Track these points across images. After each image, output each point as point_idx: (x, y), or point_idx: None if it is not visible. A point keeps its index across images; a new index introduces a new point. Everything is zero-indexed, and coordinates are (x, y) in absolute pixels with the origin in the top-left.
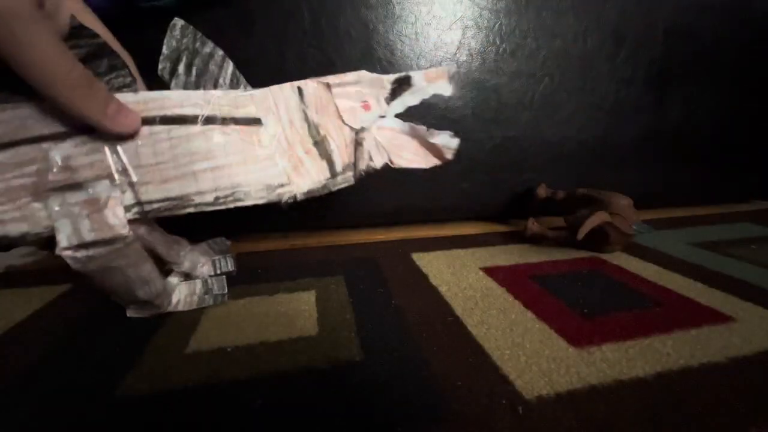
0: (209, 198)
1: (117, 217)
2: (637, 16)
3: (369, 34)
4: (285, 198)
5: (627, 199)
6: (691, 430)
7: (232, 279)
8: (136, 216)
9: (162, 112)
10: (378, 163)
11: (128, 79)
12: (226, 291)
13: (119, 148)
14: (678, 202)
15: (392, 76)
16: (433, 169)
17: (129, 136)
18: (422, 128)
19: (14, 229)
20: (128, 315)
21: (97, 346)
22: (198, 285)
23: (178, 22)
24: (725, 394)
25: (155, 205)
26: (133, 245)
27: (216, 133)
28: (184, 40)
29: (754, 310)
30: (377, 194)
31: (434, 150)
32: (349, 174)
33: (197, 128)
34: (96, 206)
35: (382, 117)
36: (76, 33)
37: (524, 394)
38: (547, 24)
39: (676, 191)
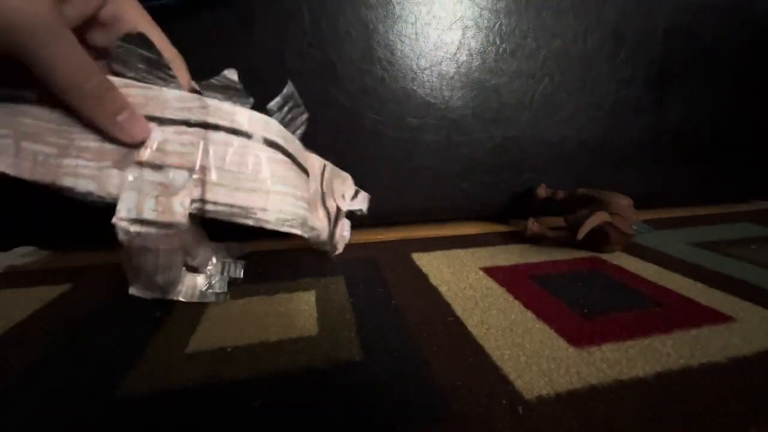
0: (272, 217)
1: (183, 207)
2: (637, 16)
3: (369, 34)
4: (312, 238)
5: (627, 199)
6: (691, 430)
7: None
8: (195, 211)
9: (258, 132)
10: (336, 240)
11: (245, 100)
12: (226, 291)
13: (211, 149)
14: (678, 202)
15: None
16: (433, 169)
17: (136, 145)
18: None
19: (83, 185)
20: (130, 293)
21: (97, 346)
22: (201, 279)
23: (289, 87)
24: (725, 394)
25: (219, 208)
26: (182, 235)
27: (293, 167)
28: (294, 94)
29: (754, 310)
30: (377, 194)
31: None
32: (335, 244)
33: (282, 157)
34: (168, 191)
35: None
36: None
37: (524, 394)
38: (547, 24)
39: (676, 191)
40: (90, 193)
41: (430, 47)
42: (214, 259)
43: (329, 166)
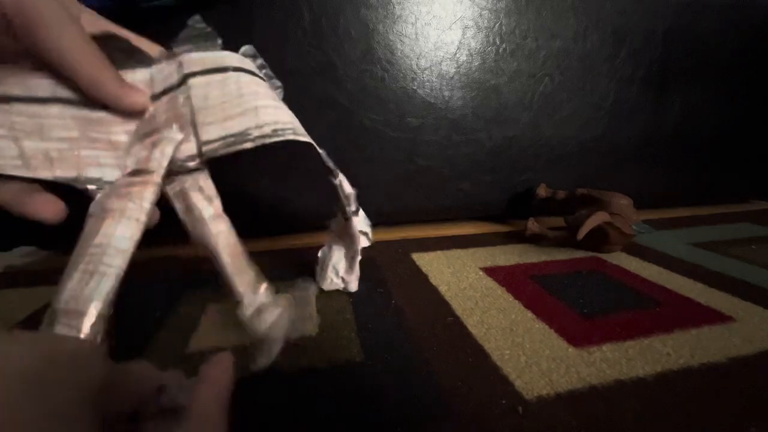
0: (268, 130)
1: (163, 155)
2: (637, 16)
3: (369, 34)
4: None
5: (627, 199)
6: (691, 430)
7: None
8: (197, 164)
9: (233, 63)
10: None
11: (216, 46)
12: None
13: (192, 94)
14: (678, 202)
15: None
16: (433, 169)
17: (137, 113)
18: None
19: (110, 175)
20: None
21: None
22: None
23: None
24: (725, 394)
25: (215, 145)
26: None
27: (268, 86)
28: (259, 56)
29: (754, 310)
30: (377, 194)
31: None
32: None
33: (258, 79)
34: (154, 143)
35: None
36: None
37: (524, 394)
38: (547, 24)
39: (676, 191)
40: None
41: (430, 47)
42: (284, 316)
43: None
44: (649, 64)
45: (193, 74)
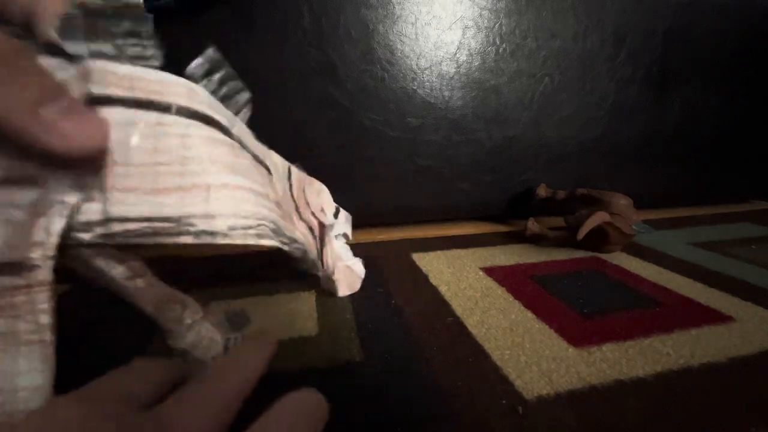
0: (221, 225)
1: (47, 233)
2: (637, 16)
3: (369, 34)
4: (293, 252)
5: (627, 199)
6: (691, 430)
7: (232, 279)
8: (97, 238)
9: (179, 101)
10: (331, 266)
11: (149, 52)
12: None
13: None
14: (678, 202)
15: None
16: (433, 169)
17: (83, 158)
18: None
19: None
20: None
21: (98, 347)
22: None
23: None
24: (725, 394)
25: (131, 226)
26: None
27: (243, 152)
28: (224, 63)
29: (754, 310)
30: (377, 194)
31: (353, 277)
32: (318, 263)
33: (223, 137)
34: (32, 212)
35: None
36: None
37: (524, 394)
38: (547, 24)
39: (676, 191)
40: None
41: (430, 47)
42: (212, 336)
43: (296, 169)
44: (649, 64)
45: (109, 99)
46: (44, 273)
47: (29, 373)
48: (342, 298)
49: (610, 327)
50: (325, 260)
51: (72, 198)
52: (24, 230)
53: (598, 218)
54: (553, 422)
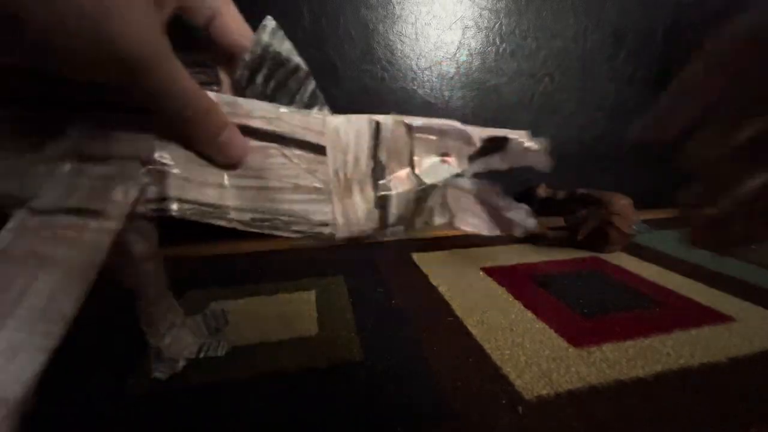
0: (246, 217)
1: (125, 195)
2: (637, 16)
3: (369, 34)
4: (323, 237)
5: (627, 199)
6: (692, 430)
7: (232, 279)
8: (155, 212)
9: (231, 120)
10: (437, 222)
11: (212, 77)
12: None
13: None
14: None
15: (486, 133)
16: None
17: (232, 167)
18: (498, 196)
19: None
20: None
21: (99, 347)
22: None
23: (269, 24)
24: (725, 394)
25: (186, 206)
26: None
27: (275, 151)
28: (271, 48)
29: (754, 310)
30: None
31: (503, 222)
32: (401, 228)
33: (256, 143)
34: (110, 181)
35: (458, 175)
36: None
37: (524, 394)
38: (547, 24)
39: (676, 191)
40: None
41: (430, 47)
42: (189, 341)
43: (393, 121)
44: (649, 64)
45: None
46: (114, 225)
47: (67, 298)
48: (342, 298)
49: (610, 327)
50: (390, 220)
51: (146, 179)
52: (107, 190)
53: (598, 218)
54: (553, 422)
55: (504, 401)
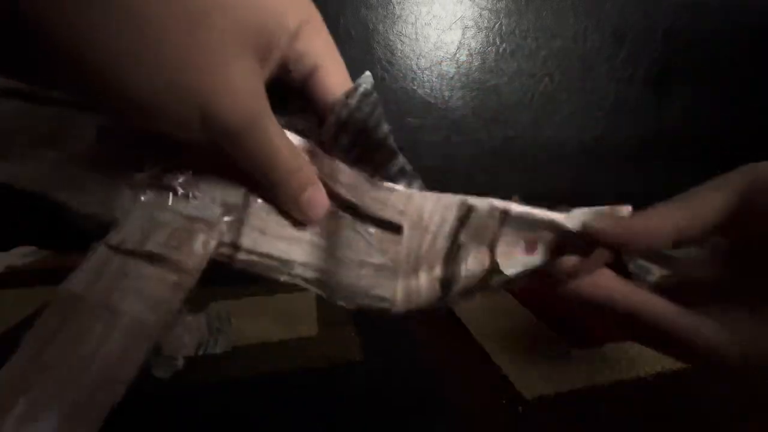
0: (310, 275)
1: (205, 248)
2: (637, 16)
3: (369, 34)
4: (377, 310)
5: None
6: (692, 430)
7: (232, 279)
8: (222, 258)
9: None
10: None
11: (310, 124)
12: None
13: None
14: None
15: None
16: (433, 169)
17: (309, 222)
18: None
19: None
20: None
21: None
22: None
23: (364, 83)
24: (725, 394)
25: (253, 258)
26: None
27: (348, 223)
28: (356, 115)
29: None
30: None
31: None
32: (457, 299)
33: (333, 207)
34: (192, 226)
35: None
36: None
37: (524, 394)
38: (547, 24)
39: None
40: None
41: (430, 47)
42: (186, 339)
43: (489, 208)
44: (649, 64)
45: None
46: (190, 282)
47: (129, 364)
48: None
49: (610, 327)
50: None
51: (224, 228)
52: (189, 236)
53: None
54: (553, 422)
55: (504, 401)
